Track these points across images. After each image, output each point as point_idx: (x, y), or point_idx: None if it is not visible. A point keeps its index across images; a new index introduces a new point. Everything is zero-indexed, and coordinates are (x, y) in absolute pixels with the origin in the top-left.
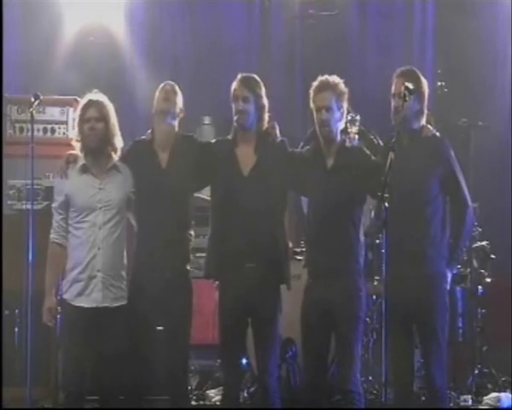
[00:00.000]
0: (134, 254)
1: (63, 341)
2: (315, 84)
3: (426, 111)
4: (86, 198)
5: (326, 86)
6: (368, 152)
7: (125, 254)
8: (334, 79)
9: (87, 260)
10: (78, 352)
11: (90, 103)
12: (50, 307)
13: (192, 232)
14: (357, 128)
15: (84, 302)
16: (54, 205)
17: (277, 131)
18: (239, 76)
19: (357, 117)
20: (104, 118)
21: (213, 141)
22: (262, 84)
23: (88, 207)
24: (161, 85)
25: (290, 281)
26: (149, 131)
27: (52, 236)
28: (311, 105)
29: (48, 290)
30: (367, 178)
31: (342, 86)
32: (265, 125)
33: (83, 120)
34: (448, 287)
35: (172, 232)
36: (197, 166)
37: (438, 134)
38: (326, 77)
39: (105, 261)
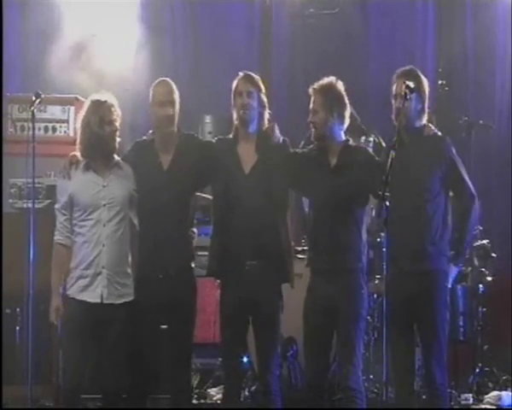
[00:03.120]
0: (137, 253)
1: (65, 337)
2: (312, 86)
3: (427, 110)
4: (90, 196)
5: (317, 90)
6: (371, 152)
7: (129, 251)
8: (329, 81)
9: (92, 257)
10: (81, 348)
11: (110, 105)
12: (58, 306)
13: (195, 230)
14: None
15: (88, 298)
16: (57, 206)
17: (277, 132)
18: (241, 73)
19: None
20: (118, 119)
21: (215, 140)
22: (262, 82)
23: (92, 204)
24: (157, 85)
25: (293, 279)
26: (150, 132)
27: (56, 237)
28: None
29: (54, 290)
30: (370, 177)
31: (337, 88)
32: (266, 123)
33: (105, 121)
34: (450, 283)
35: (175, 231)
36: (199, 165)
37: (439, 133)
38: (323, 79)
39: (110, 258)
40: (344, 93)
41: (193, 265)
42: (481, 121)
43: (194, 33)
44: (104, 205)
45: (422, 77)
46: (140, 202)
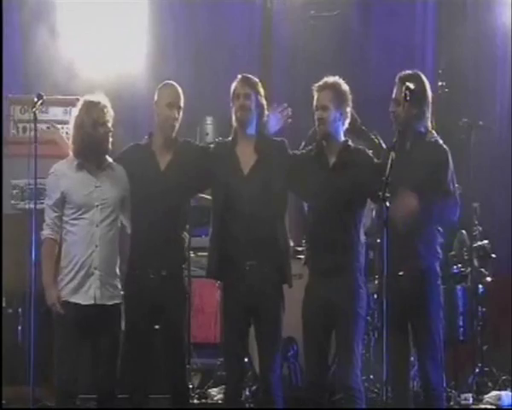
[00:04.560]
0: (129, 253)
1: (59, 339)
2: (316, 84)
3: (429, 115)
4: (83, 196)
5: (324, 86)
6: (370, 154)
7: (118, 252)
8: (335, 79)
9: (84, 258)
10: (74, 350)
11: (103, 106)
12: (56, 295)
13: (186, 234)
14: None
15: (81, 300)
16: (48, 202)
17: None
18: (239, 76)
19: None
20: (111, 120)
21: (213, 143)
22: (261, 85)
23: (85, 204)
24: (165, 87)
25: (291, 280)
26: (146, 137)
27: (47, 232)
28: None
29: (50, 283)
30: (368, 178)
31: (343, 87)
32: (265, 125)
33: (98, 123)
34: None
35: (168, 231)
36: (197, 169)
37: (441, 141)
38: (328, 77)
39: (102, 259)
40: (348, 91)
41: (184, 266)
42: (481, 122)
43: (196, 35)
44: (97, 206)
45: (425, 81)
46: (135, 201)
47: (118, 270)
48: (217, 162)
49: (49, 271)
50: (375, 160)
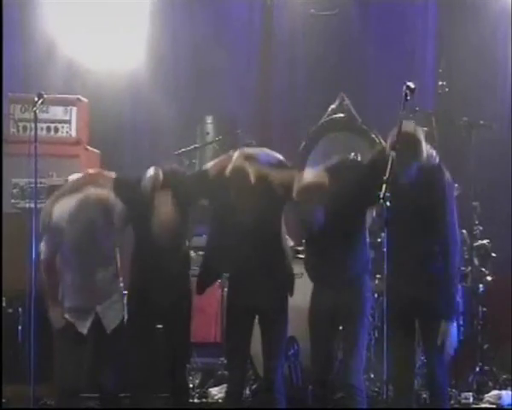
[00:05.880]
0: (132, 260)
1: (60, 341)
2: None
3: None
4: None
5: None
6: (359, 159)
7: (118, 265)
8: None
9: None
10: (74, 351)
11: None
12: (59, 315)
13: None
14: None
15: (82, 328)
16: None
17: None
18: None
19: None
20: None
21: (210, 165)
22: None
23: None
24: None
25: (294, 286)
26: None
27: (45, 255)
28: None
29: (53, 301)
30: (363, 186)
31: None
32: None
33: None
34: None
35: (171, 244)
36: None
37: (437, 159)
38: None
39: (103, 282)
40: None
41: (188, 272)
42: (481, 122)
43: (195, 33)
44: None
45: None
46: (133, 221)
47: (119, 279)
48: (213, 185)
49: (52, 289)
50: (364, 162)
